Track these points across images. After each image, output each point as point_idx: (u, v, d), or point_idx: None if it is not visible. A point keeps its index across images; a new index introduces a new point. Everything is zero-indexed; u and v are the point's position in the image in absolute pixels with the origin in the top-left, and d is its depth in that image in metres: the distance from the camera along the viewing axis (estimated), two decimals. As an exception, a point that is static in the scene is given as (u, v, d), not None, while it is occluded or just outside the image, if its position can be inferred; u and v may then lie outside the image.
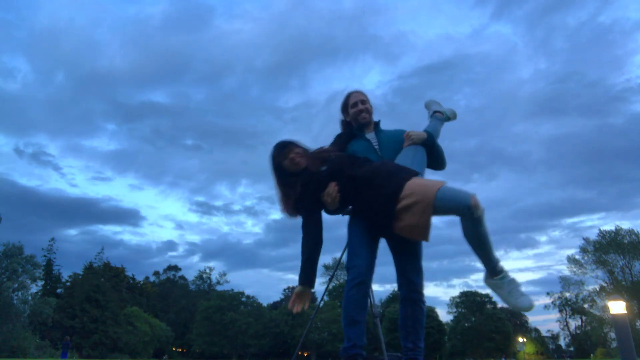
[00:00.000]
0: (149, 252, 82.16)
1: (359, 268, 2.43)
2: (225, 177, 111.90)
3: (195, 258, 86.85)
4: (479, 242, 2.04)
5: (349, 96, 2.87)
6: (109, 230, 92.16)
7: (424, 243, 2.54)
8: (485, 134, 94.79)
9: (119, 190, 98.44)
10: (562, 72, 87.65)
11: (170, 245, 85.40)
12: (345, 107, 2.88)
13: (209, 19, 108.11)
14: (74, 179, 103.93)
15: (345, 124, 2.93)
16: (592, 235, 53.95)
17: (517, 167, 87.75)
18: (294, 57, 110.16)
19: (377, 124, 2.88)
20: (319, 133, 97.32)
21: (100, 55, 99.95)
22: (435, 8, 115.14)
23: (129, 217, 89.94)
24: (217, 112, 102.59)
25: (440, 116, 2.93)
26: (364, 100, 2.83)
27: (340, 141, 2.82)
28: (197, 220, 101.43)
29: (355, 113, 2.80)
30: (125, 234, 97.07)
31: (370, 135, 2.81)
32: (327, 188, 2.29)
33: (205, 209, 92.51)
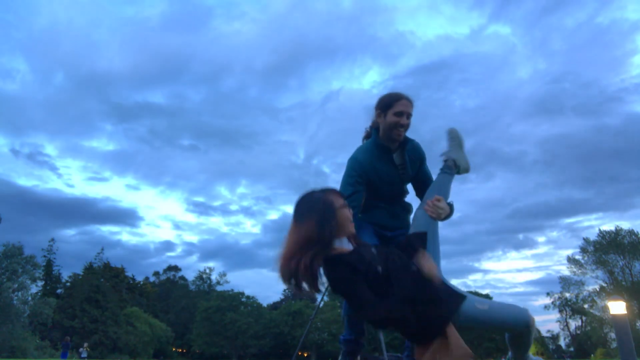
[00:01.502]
0: (147, 252, 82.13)
1: None
2: (224, 177, 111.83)
3: (193, 258, 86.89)
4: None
5: (398, 99, 2.32)
6: (106, 230, 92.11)
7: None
8: (481, 134, 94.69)
9: (117, 190, 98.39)
10: (558, 73, 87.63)
11: (168, 245, 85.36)
12: (385, 108, 2.35)
13: (208, 20, 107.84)
14: (70, 179, 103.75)
15: (370, 130, 2.49)
16: (590, 235, 54.00)
17: (514, 168, 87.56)
18: (293, 58, 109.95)
19: (405, 143, 2.45)
20: (315, 133, 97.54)
21: (99, 56, 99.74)
22: (433, 9, 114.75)
23: (126, 217, 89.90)
24: (213, 113, 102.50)
25: (452, 168, 2.38)
26: (410, 115, 2.34)
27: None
28: (195, 220, 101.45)
29: (395, 124, 2.31)
30: (123, 234, 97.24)
31: (397, 157, 2.45)
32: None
33: (203, 209, 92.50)
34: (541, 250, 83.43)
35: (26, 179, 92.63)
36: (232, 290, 52.19)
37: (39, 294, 29.92)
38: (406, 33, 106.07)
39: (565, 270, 59.00)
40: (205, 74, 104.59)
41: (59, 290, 41.88)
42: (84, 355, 22.66)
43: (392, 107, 2.31)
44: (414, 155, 2.49)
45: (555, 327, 55.82)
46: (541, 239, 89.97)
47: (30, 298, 27.18)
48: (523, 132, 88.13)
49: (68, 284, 41.68)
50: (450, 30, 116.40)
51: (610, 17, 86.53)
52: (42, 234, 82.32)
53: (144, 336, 39.32)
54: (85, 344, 24.86)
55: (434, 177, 2.46)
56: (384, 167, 2.40)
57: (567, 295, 47.23)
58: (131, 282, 51.95)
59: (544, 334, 60.72)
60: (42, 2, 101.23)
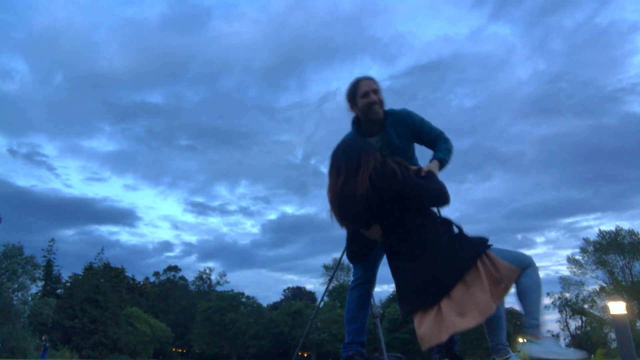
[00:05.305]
0: (146, 252, 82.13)
1: (359, 270, 2.48)
2: (223, 177, 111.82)
3: (192, 258, 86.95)
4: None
5: (357, 83, 2.38)
6: (105, 230, 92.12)
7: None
8: (478, 134, 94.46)
9: (116, 190, 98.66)
10: (555, 73, 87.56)
11: (166, 245, 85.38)
12: (352, 96, 2.41)
13: (207, 20, 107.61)
14: (69, 179, 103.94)
15: (356, 121, 2.49)
16: (589, 235, 53.91)
17: (512, 168, 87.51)
18: (292, 58, 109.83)
19: (383, 120, 2.39)
20: (312, 133, 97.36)
21: (98, 56, 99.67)
22: (433, 9, 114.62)
23: (125, 217, 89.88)
24: (211, 113, 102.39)
25: (533, 330, 2.02)
26: (377, 90, 2.35)
27: None
28: (193, 220, 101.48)
29: (366, 105, 2.34)
30: (121, 234, 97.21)
31: (376, 140, 2.39)
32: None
33: (201, 209, 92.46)
34: (540, 250, 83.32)
35: (25, 179, 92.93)
36: (232, 290, 52.25)
37: (39, 294, 29.88)
38: (405, 33, 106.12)
39: (565, 270, 59.11)
40: (203, 74, 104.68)
41: (59, 291, 41.81)
42: None
43: (356, 93, 2.38)
44: (398, 126, 2.39)
45: (555, 328, 55.73)
46: (540, 239, 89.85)
47: (30, 298, 27.15)
48: (521, 132, 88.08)
49: (68, 284, 41.66)
50: (449, 31, 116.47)
51: (609, 18, 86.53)
52: (42, 234, 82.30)
53: (144, 336, 39.30)
54: None
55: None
56: None
57: (567, 295, 47.18)
58: (131, 282, 51.91)
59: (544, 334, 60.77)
60: (42, 2, 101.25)
